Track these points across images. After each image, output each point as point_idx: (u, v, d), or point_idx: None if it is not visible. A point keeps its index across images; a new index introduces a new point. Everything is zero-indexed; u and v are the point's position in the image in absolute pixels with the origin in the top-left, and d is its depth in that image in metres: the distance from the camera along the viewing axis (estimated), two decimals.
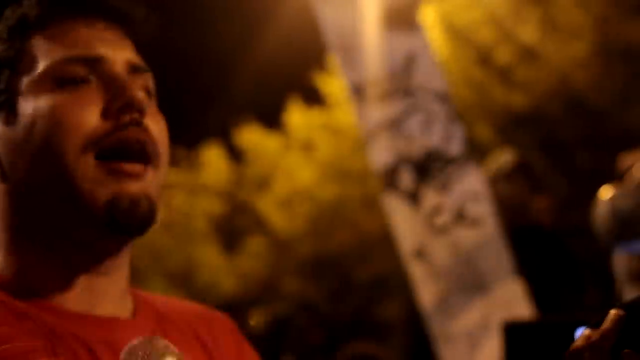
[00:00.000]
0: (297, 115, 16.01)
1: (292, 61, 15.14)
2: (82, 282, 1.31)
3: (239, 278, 16.05)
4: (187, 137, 16.66)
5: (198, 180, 16.99)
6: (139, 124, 1.31)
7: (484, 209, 4.87)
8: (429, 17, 12.56)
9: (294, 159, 16.04)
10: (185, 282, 15.93)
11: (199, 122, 17.25)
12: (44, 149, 1.28)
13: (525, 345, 3.55)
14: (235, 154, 16.93)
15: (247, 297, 15.60)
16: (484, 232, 4.83)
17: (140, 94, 1.32)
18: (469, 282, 4.79)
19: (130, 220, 1.29)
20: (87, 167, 1.27)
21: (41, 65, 1.31)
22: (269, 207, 15.97)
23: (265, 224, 16.00)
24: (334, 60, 5.46)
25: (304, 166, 15.88)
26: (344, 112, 14.01)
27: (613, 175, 3.91)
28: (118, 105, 1.30)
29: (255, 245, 16.29)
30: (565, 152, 13.15)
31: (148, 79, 1.39)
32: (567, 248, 5.36)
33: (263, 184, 16.31)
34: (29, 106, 1.30)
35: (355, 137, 12.15)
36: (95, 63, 1.32)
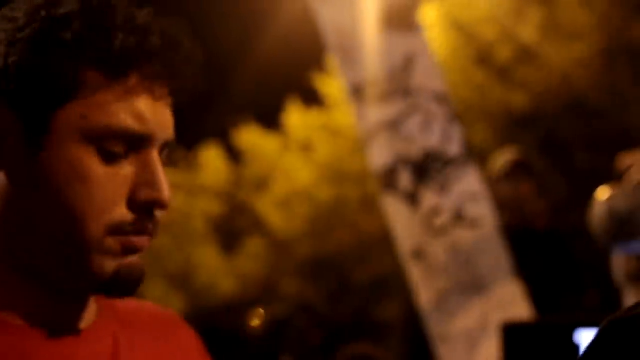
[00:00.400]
0: (296, 116, 16.01)
1: (291, 62, 15.15)
2: (50, 310, 1.31)
3: (237, 279, 16.05)
4: (185, 138, 16.62)
5: (197, 181, 17.00)
6: (156, 221, 1.30)
7: (482, 210, 4.87)
8: (429, 17, 12.57)
9: (293, 159, 16.05)
10: (184, 282, 15.93)
11: (197, 123, 17.25)
12: (68, 205, 1.26)
13: (523, 346, 3.55)
14: (234, 155, 16.94)
15: (246, 297, 15.60)
16: (483, 232, 4.83)
17: (167, 192, 1.30)
18: (468, 283, 4.79)
19: (127, 288, 1.29)
20: (107, 246, 1.27)
21: (94, 118, 1.26)
22: (267, 207, 15.97)
23: (264, 224, 16.00)
24: (333, 60, 5.46)
25: (303, 167, 15.88)
26: (343, 113, 14.01)
27: (612, 176, 3.91)
28: (146, 199, 1.28)
29: (254, 246, 16.29)
30: (565, 152, 13.16)
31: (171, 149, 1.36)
32: (564, 249, 5.36)
33: (262, 184, 16.31)
34: (64, 153, 1.26)
35: (354, 137, 12.16)
36: (139, 141, 1.29)
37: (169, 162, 1.36)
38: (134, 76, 1.29)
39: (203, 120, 17.30)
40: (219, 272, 16.01)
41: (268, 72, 16.40)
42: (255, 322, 15.05)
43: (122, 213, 1.27)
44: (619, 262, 4.01)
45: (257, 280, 15.95)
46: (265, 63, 16.44)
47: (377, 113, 4.93)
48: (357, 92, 4.97)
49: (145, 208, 1.29)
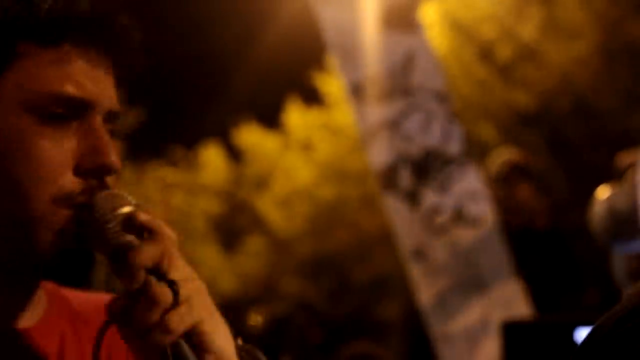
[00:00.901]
0: (296, 115, 16.01)
1: (291, 61, 15.14)
2: None
3: (238, 277, 16.05)
4: (186, 137, 16.67)
5: (197, 180, 16.99)
6: (106, 186, 1.28)
7: (483, 209, 4.87)
8: (429, 16, 12.56)
9: (293, 158, 16.04)
10: None
11: (198, 122, 17.25)
12: (10, 180, 1.25)
13: (524, 344, 3.55)
14: (234, 154, 16.93)
15: (246, 296, 15.59)
16: (483, 231, 4.83)
17: (114, 158, 1.29)
18: (468, 282, 4.79)
19: (78, 267, 1.29)
20: (56, 218, 1.25)
21: (31, 87, 1.27)
22: (268, 206, 15.97)
23: (264, 223, 15.99)
24: (333, 59, 5.46)
25: (303, 166, 15.87)
26: (343, 112, 14.00)
27: (613, 175, 3.91)
28: (92, 166, 1.27)
29: (254, 244, 16.28)
30: (569, 151, 13.15)
31: (118, 122, 1.36)
32: (564, 249, 5.35)
33: (262, 183, 16.31)
34: (4, 126, 1.26)
35: (355, 136, 12.15)
36: (80, 107, 1.28)
37: (118, 134, 1.35)
38: (67, 43, 1.29)
39: (203, 119, 17.30)
40: (219, 271, 16.00)
41: (268, 71, 16.39)
42: (256, 321, 15.04)
43: (69, 181, 1.26)
44: (619, 260, 4.01)
45: (257, 279, 15.95)
46: (266, 62, 16.43)
47: (377, 112, 4.93)
48: (357, 91, 4.97)
49: (92, 175, 1.27)
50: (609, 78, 12.82)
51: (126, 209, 1.24)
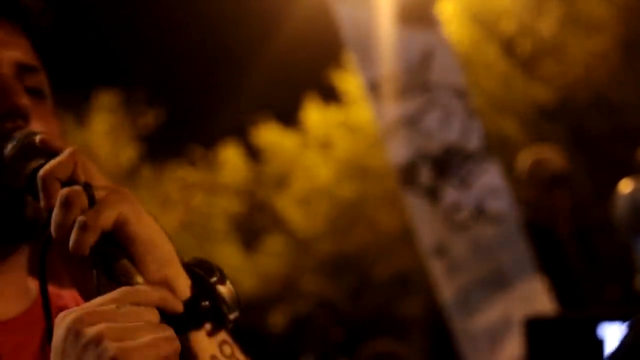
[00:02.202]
0: (314, 113, 16.00)
1: (309, 59, 15.13)
2: None
3: (258, 277, 16.06)
4: (205, 137, 16.68)
5: (216, 180, 17.01)
6: (21, 128, 1.26)
7: (503, 205, 4.85)
8: (449, 10, 12.54)
9: (312, 157, 16.03)
10: None
11: (216, 121, 17.27)
12: None
13: (547, 340, 3.53)
14: (253, 153, 16.93)
15: (267, 295, 15.60)
16: (504, 227, 4.81)
17: (24, 100, 1.27)
18: (490, 278, 4.77)
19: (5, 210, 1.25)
20: None
21: None
22: (287, 205, 15.97)
23: (284, 222, 15.99)
24: (350, 57, 5.45)
25: (322, 164, 15.87)
26: (361, 109, 13.99)
27: (635, 169, 3.89)
28: (1, 111, 1.26)
29: (274, 244, 16.29)
30: (590, 144, 13.11)
31: (40, 78, 1.34)
32: (586, 249, 5.31)
33: (281, 182, 16.31)
34: None
35: (374, 134, 12.14)
36: None
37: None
38: None
39: (222, 118, 17.32)
40: (239, 270, 16.01)
41: (286, 69, 16.39)
42: (277, 320, 15.06)
43: None
44: None
45: (277, 278, 15.96)
46: (283, 60, 16.43)
47: (395, 109, 4.92)
48: (376, 88, 4.96)
49: (3, 121, 1.26)
50: (629, 72, 12.77)
51: (25, 138, 1.21)
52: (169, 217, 16.34)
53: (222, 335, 1.19)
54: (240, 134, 16.66)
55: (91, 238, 1.11)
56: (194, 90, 18.09)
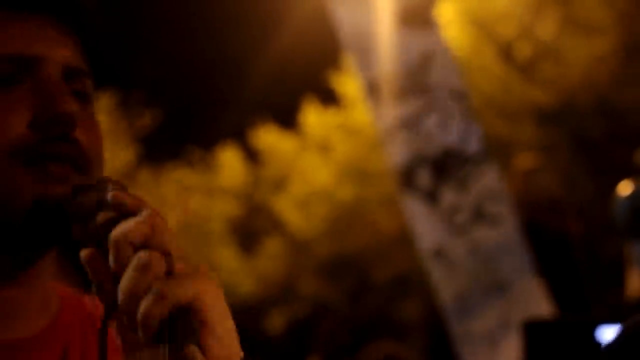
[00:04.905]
0: (313, 116, 15.99)
1: (308, 61, 15.13)
2: None
3: (257, 279, 16.05)
4: (203, 138, 16.68)
5: (214, 182, 16.99)
6: (67, 138, 1.24)
7: (502, 207, 4.84)
8: (448, 13, 12.54)
9: (311, 159, 16.03)
10: None
11: (214, 123, 17.26)
12: None
13: (545, 343, 3.53)
14: (252, 155, 16.92)
15: (266, 298, 15.59)
16: (503, 230, 4.80)
17: (72, 106, 1.24)
18: (488, 281, 4.76)
19: (51, 226, 1.21)
20: (11, 173, 1.20)
21: None
22: (286, 208, 15.96)
23: (283, 225, 15.98)
24: (349, 59, 5.44)
25: (321, 166, 15.86)
26: (360, 112, 13.98)
27: (634, 171, 3.89)
28: (47, 117, 1.23)
29: (272, 246, 16.28)
30: (591, 148, 13.11)
31: (85, 82, 1.31)
32: (583, 250, 5.31)
33: (280, 184, 16.30)
34: None
35: (372, 136, 12.13)
36: (30, 64, 1.25)
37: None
38: (11, 7, 1.27)
39: (220, 120, 17.31)
40: (238, 273, 16.00)
41: (284, 71, 16.39)
42: (275, 323, 15.04)
43: (22, 134, 1.22)
44: None
45: (276, 281, 15.95)
46: (282, 63, 16.43)
47: (394, 111, 4.91)
48: (374, 91, 4.95)
49: (49, 128, 1.23)
50: (628, 75, 12.77)
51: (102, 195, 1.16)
52: (166, 219, 16.32)
53: None
54: (239, 136, 16.65)
55: (164, 309, 1.05)
56: (192, 91, 18.09)
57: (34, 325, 1.27)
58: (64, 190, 1.20)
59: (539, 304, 4.74)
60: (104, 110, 16.27)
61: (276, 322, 15.32)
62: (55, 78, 1.26)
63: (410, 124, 4.87)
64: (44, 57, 1.26)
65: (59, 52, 1.28)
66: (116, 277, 1.08)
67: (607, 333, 3.20)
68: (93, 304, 1.35)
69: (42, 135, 1.22)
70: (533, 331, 3.57)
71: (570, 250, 5.15)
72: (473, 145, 4.89)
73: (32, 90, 1.24)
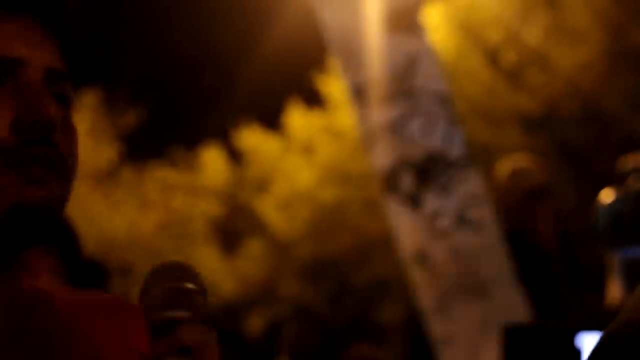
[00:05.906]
0: (297, 117, 15.99)
1: (293, 62, 15.13)
2: None
3: (237, 280, 16.04)
4: (186, 138, 16.65)
5: (197, 182, 16.97)
6: (48, 141, 1.25)
7: (484, 213, 4.84)
8: (435, 18, 12.56)
9: (294, 161, 16.03)
10: None
11: (198, 123, 17.24)
12: None
13: (524, 349, 3.53)
14: (235, 155, 16.91)
15: (246, 299, 15.58)
16: (485, 236, 4.80)
17: (52, 110, 1.25)
18: (469, 286, 4.76)
19: (29, 229, 1.23)
20: None
21: None
22: (268, 209, 15.95)
23: (265, 226, 15.98)
24: (334, 61, 5.44)
25: (304, 168, 15.86)
26: (344, 114, 13.99)
27: (615, 179, 3.90)
28: (28, 120, 1.24)
29: (254, 247, 16.27)
30: (575, 155, 13.15)
31: (66, 85, 1.32)
32: (563, 257, 5.30)
33: (263, 185, 16.29)
34: None
35: (356, 139, 12.14)
36: (12, 66, 1.26)
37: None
38: None
39: (204, 120, 17.30)
40: (219, 273, 15.98)
41: (269, 72, 16.39)
42: (255, 324, 15.03)
43: (3, 136, 1.23)
44: (621, 264, 3.99)
45: (257, 282, 15.94)
46: (267, 63, 16.43)
47: (378, 114, 4.91)
48: (359, 93, 4.95)
49: (30, 131, 1.24)
50: (614, 83, 12.82)
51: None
52: (148, 218, 16.30)
53: None
54: (222, 136, 16.64)
55: None
56: (176, 90, 18.07)
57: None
58: (44, 193, 1.23)
59: (520, 309, 4.75)
60: (88, 107, 16.22)
61: (256, 323, 15.31)
62: (37, 81, 1.27)
63: (394, 128, 4.86)
64: (26, 60, 1.27)
65: (42, 55, 1.29)
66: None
67: (587, 340, 3.20)
68: (65, 297, 1.36)
69: (24, 138, 1.23)
70: (513, 336, 3.57)
71: (549, 256, 5.16)
72: (457, 150, 4.89)
73: (13, 92, 1.25)
